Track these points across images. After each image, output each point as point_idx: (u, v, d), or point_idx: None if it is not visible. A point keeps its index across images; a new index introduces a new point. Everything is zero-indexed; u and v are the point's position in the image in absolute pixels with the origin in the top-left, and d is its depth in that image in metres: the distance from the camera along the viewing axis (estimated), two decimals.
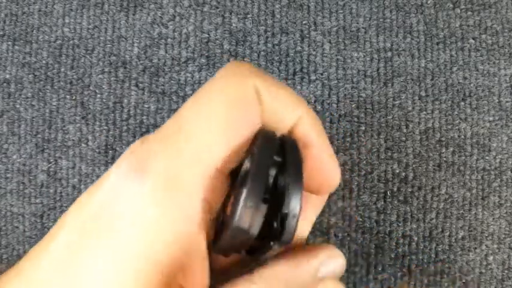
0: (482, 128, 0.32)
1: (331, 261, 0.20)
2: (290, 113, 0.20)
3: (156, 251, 0.17)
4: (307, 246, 0.21)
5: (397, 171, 0.32)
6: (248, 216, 0.17)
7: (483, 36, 0.33)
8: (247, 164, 0.19)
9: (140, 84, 0.32)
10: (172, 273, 0.18)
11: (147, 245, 0.17)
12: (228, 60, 0.32)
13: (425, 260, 0.32)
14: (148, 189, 0.17)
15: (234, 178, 0.20)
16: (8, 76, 0.32)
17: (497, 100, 0.32)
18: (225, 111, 0.18)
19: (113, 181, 0.18)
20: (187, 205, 0.18)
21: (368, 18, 0.33)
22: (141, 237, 0.17)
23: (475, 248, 0.31)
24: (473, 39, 0.33)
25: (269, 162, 0.18)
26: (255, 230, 0.17)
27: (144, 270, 0.17)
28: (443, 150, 0.32)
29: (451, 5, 0.33)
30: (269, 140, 0.19)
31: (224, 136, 0.18)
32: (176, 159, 0.18)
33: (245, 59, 0.32)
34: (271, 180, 0.19)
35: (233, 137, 0.18)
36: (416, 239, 0.32)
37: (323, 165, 0.20)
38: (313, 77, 0.32)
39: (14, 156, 0.32)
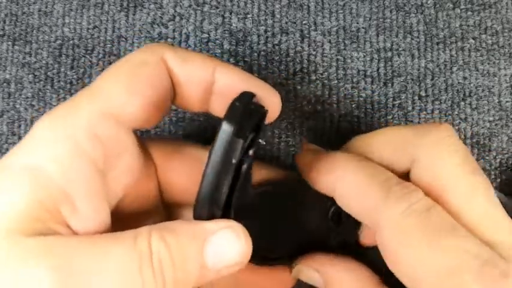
0: (482, 128, 0.32)
1: (225, 236, 0.20)
2: (203, 70, 0.22)
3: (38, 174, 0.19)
4: None
5: None
6: (237, 115, 0.19)
7: (483, 36, 0.33)
8: None
9: None
10: (53, 204, 0.19)
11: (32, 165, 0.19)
12: (228, 61, 0.32)
13: None
14: (46, 122, 0.20)
15: None
16: (8, 76, 0.32)
17: (497, 100, 0.32)
18: (126, 71, 0.21)
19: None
20: (76, 130, 0.20)
21: (368, 18, 0.33)
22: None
23: None
24: (473, 39, 0.33)
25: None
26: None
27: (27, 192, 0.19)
28: None
29: (451, 5, 0.33)
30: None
31: (122, 88, 0.20)
32: (74, 99, 0.21)
33: (245, 59, 0.32)
34: None
35: (132, 90, 0.21)
36: None
37: (256, 93, 0.22)
38: (313, 77, 0.32)
39: None
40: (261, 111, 0.22)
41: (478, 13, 0.33)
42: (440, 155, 0.22)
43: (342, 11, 0.33)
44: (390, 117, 0.32)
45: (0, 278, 0.18)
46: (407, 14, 0.33)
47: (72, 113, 0.20)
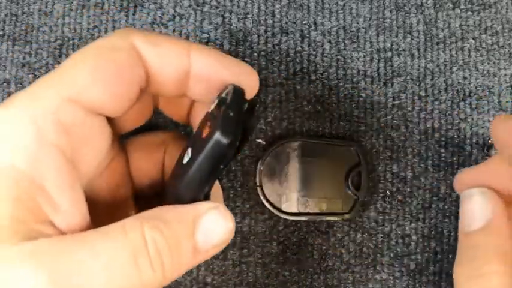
0: (482, 128, 0.32)
1: (213, 218, 0.21)
2: (177, 55, 0.21)
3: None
4: None
5: (397, 171, 0.32)
6: (232, 127, 0.19)
7: (483, 36, 0.33)
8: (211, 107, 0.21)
9: None
10: (32, 200, 0.18)
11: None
12: None
13: (425, 260, 0.32)
14: (6, 111, 0.19)
15: None
16: (8, 76, 0.32)
17: (497, 100, 0.32)
18: (93, 55, 0.20)
19: None
20: (40, 117, 0.19)
21: (368, 18, 0.33)
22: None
23: None
24: (473, 39, 0.33)
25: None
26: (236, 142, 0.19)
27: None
28: (443, 150, 0.32)
29: (451, 5, 0.33)
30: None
31: (87, 72, 0.20)
32: (37, 85, 0.20)
33: (245, 59, 0.32)
34: None
35: (98, 76, 0.20)
36: (416, 238, 0.32)
37: (233, 73, 0.22)
38: (313, 77, 0.32)
39: None
40: (251, 108, 0.22)
41: (478, 13, 0.33)
42: None
43: (342, 11, 0.33)
44: (390, 117, 0.32)
45: None
46: (407, 14, 0.33)
47: (34, 99, 0.19)
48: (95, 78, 0.20)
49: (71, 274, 0.18)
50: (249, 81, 0.22)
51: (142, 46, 0.21)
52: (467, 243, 0.23)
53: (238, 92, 0.21)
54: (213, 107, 0.21)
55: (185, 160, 0.21)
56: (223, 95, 0.21)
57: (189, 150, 0.21)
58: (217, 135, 0.19)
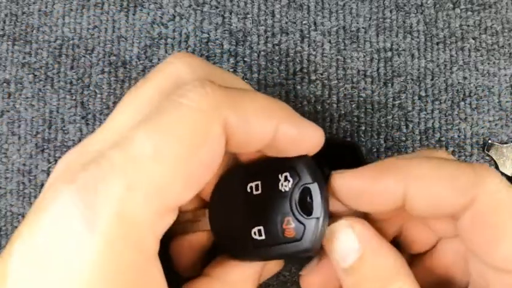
0: (482, 128, 0.32)
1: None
2: (265, 131, 0.20)
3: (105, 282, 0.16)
4: None
5: None
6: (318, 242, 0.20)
7: (483, 36, 0.33)
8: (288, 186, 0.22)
9: None
10: None
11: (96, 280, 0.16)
12: (228, 61, 0.32)
13: None
14: (98, 232, 0.16)
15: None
16: (8, 76, 0.32)
17: (497, 100, 0.32)
18: (184, 150, 0.17)
19: (55, 213, 0.17)
20: (139, 241, 0.17)
21: (368, 18, 0.33)
22: (86, 274, 0.16)
23: None
24: (473, 39, 0.33)
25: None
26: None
27: None
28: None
29: (451, 5, 0.33)
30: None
31: (181, 178, 0.17)
32: (128, 195, 0.16)
33: (245, 59, 0.32)
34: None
35: (190, 176, 0.18)
36: None
37: (305, 138, 0.22)
38: (313, 77, 0.32)
39: (14, 156, 0.32)
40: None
41: (478, 13, 0.33)
42: (499, 207, 0.21)
43: (342, 11, 0.33)
44: (390, 117, 0.32)
45: None
46: (407, 14, 0.33)
47: (134, 219, 0.17)
48: (189, 185, 0.18)
49: None
50: (316, 143, 0.22)
51: (232, 123, 0.19)
52: (351, 278, 0.22)
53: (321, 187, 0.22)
54: (290, 186, 0.22)
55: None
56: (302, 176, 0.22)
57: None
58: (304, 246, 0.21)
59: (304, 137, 0.21)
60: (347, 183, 0.22)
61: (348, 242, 0.22)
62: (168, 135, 0.17)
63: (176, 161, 0.17)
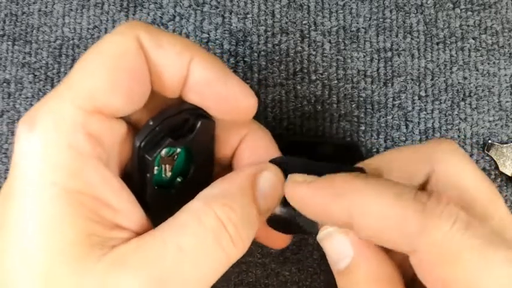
0: (482, 128, 0.32)
1: (267, 176, 0.23)
2: (178, 59, 0.21)
3: (56, 183, 0.19)
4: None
5: None
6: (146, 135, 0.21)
7: (483, 36, 0.33)
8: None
9: None
10: (87, 204, 0.19)
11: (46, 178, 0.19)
12: (228, 61, 0.32)
13: None
14: (36, 138, 0.19)
15: None
16: (8, 76, 0.32)
17: (497, 100, 0.32)
18: (108, 64, 0.20)
19: (14, 142, 0.20)
20: (70, 135, 0.19)
21: (368, 18, 0.33)
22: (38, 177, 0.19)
23: None
24: (473, 39, 0.33)
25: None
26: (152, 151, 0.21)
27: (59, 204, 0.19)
28: None
29: (451, 5, 0.33)
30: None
31: (106, 84, 0.20)
32: (57, 95, 0.20)
33: (245, 59, 0.32)
34: None
35: (116, 83, 0.20)
36: None
37: (230, 92, 0.22)
38: (313, 77, 0.32)
39: None
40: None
41: (478, 13, 0.33)
42: (457, 163, 0.22)
43: (342, 11, 0.33)
44: (390, 117, 0.32)
45: None
46: (407, 14, 0.33)
47: (58, 118, 0.19)
48: (114, 88, 0.20)
49: (164, 271, 0.18)
50: (245, 103, 0.22)
51: (146, 44, 0.21)
52: (344, 281, 0.22)
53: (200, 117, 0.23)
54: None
55: None
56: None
57: None
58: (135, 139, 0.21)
59: (225, 87, 0.22)
60: (297, 193, 0.22)
61: (342, 246, 0.22)
62: (92, 52, 0.21)
63: (99, 67, 0.20)
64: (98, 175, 0.20)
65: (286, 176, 0.23)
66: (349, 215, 0.20)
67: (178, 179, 0.23)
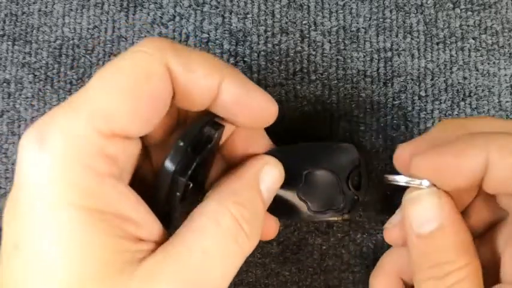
0: None
1: (268, 169, 0.24)
2: (210, 80, 0.21)
3: (72, 203, 0.18)
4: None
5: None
6: (178, 157, 0.21)
7: (483, 36, 0.33)
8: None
9: None
10: (111, 222, 0.19)
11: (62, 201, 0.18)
12: (228, 61, 0.32)
13: None
14: (48, 156, 0.18)
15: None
16: (8, 76, 0.32)
17: (497, 100, 0.32)
18: (131, 86, 0.19)
19: (20, 157, 0.19)
20: (87, 158, 0.19)
21: (368, 18, 0.33)
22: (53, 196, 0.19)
23: None
24: (473, 39, 0.33)
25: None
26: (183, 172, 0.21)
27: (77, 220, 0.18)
28: None
29: (451, 5, 0.33)
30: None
31: (124, 105, 0.19)
32: (72, 115, 0.19)
33: (245, 59, 0.32)
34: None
35: (136, 108, 0.19)
36: None
37: (255, 104, 0.22)
38: (313, 77, 0.32)
39: (14, 156, 0.32)
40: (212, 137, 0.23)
41: (478, 13, 0.33)
42: None
43: (342, 11, 0.33)
44: (390, 117, 0.32)
45: None
46: (407, 14, 0.33)
47: (75, 135, 0.19)
48: (135, 114, 0.20)
49: (192, 275, 0.19)
50: (269, 111, 0.23)
51: (175, 68, 0.20)
52: (424, 246, 0.22)
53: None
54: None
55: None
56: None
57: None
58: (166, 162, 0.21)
59: (252, 101, 0.22)
60: (427, 159, 0.22)
61: (431, 209, 0.22)
62: (114, 69, 0.20)
63: (120, 90, 0.19)
64: (115, 192, 0.19)
65: (284, 166, 0.25)
66: (484, 162, 0.21)
67: (190, 184, 0.23)
